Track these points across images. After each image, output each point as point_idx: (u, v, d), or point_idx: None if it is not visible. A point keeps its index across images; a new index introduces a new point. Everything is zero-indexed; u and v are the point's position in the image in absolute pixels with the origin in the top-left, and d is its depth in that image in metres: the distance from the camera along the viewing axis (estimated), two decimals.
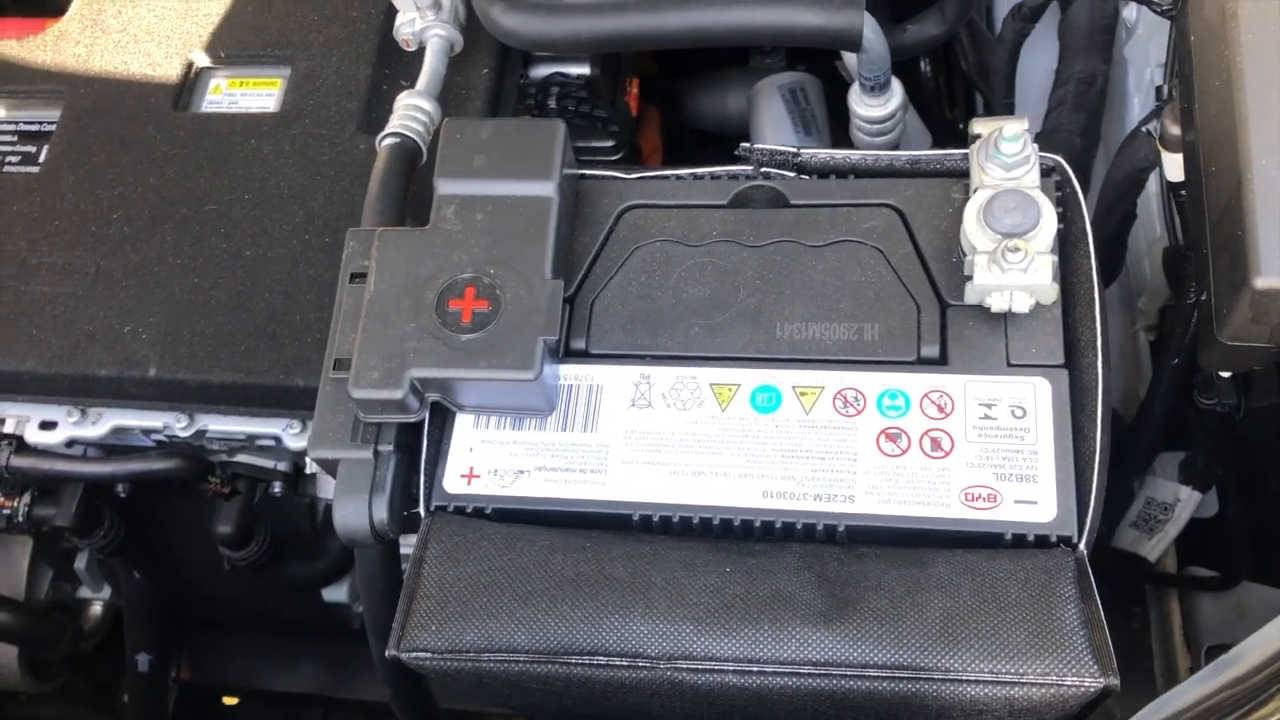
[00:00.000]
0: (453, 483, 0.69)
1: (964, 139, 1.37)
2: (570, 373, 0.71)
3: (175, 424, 1.06)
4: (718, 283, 0.72)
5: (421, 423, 0.70)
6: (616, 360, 0.72)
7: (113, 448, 1.12)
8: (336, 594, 1.30)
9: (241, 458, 1.15)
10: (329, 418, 0.69)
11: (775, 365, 0.70)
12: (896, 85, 1.01)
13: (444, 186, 0.72)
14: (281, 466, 1.17)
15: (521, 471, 0.68)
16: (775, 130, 1.32)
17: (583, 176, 0.78)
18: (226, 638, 1.56)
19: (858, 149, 1.07)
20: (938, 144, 1.23)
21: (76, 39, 1.20)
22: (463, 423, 0.71)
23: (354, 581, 1.31)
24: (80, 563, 1.38)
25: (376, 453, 0.68)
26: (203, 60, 1.17)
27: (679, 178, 0.77)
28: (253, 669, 1.56)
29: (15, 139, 1.19)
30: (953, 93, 1.38)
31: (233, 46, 1.17)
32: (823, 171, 0.77)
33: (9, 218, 1.10)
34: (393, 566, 0.87)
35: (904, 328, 0.70)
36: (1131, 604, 1.06)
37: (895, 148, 1.07)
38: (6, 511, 1.15)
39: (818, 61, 1.39)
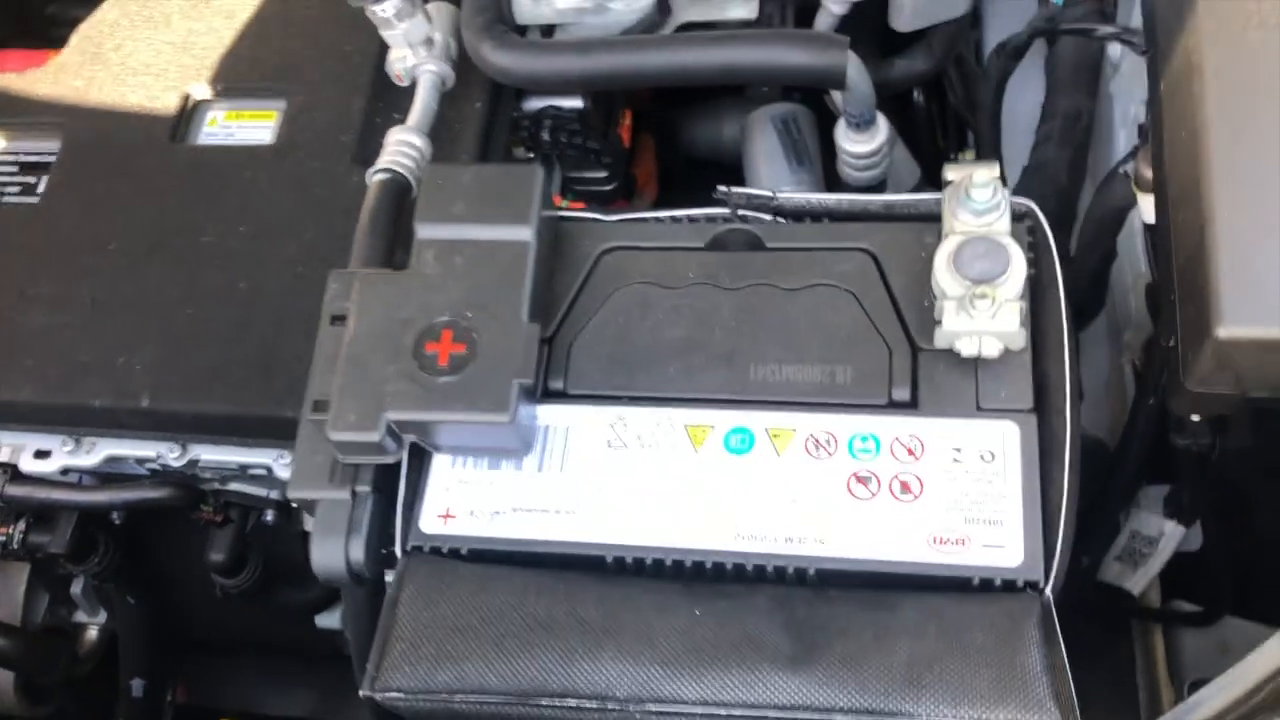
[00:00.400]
0: (429, 523, 0.70)
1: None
2: (547, 414, 0.72)
3: (168, 454, 1.07)
4: (694, 325, 0.73)
5: (399, 464, 0.71)
6: (593, 401, 0.73)
7: (107, 475, 1.14)
8: (329, 620, 1.31)
9: (234, 486, 1.16)
10: (308, 458, 0.71)
11: (749, 407, 0.71)
12: (882, 121, 1.02)
13: (424, 231, 0.73)
14: (274, 495, 1.18)
15: (497, 512, 0.69)
16: (768, 160, 1.33)
17: (563, 218, 0.80)
18: (223, 662, 1.57)
19: (845, 182, 1.08)
20: (927, 175, 1.24)
21: (76, 72, 1.22)
22: (440, 463, 0.72)
23: None
24: (76, 588, 1.39)
25: (354, 493, 0.69)
26: (200, 93, 1.19)
27: (659, 220, 0.79)
28: (249, 693, 1.57)
29: (16, 169, 1.20)
30: (945, 123, 1.39)
31: (229, 79, 1.19)
32: (799, 215, 0.78)
33: (8, 249, 1.12)
34: (377, 603, 0.88)
35: (876, 371, 0.71)
36: (1117, 637, 1.06)
37: (883, 182, 1.08)
38: (1, 538, 1.16)
39: (812, 92, 1.40)
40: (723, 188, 0.77)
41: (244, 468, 1.09)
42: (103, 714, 1.51)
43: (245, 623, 1.41)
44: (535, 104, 1.23)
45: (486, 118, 1.14)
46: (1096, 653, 0.61)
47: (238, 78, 1.18)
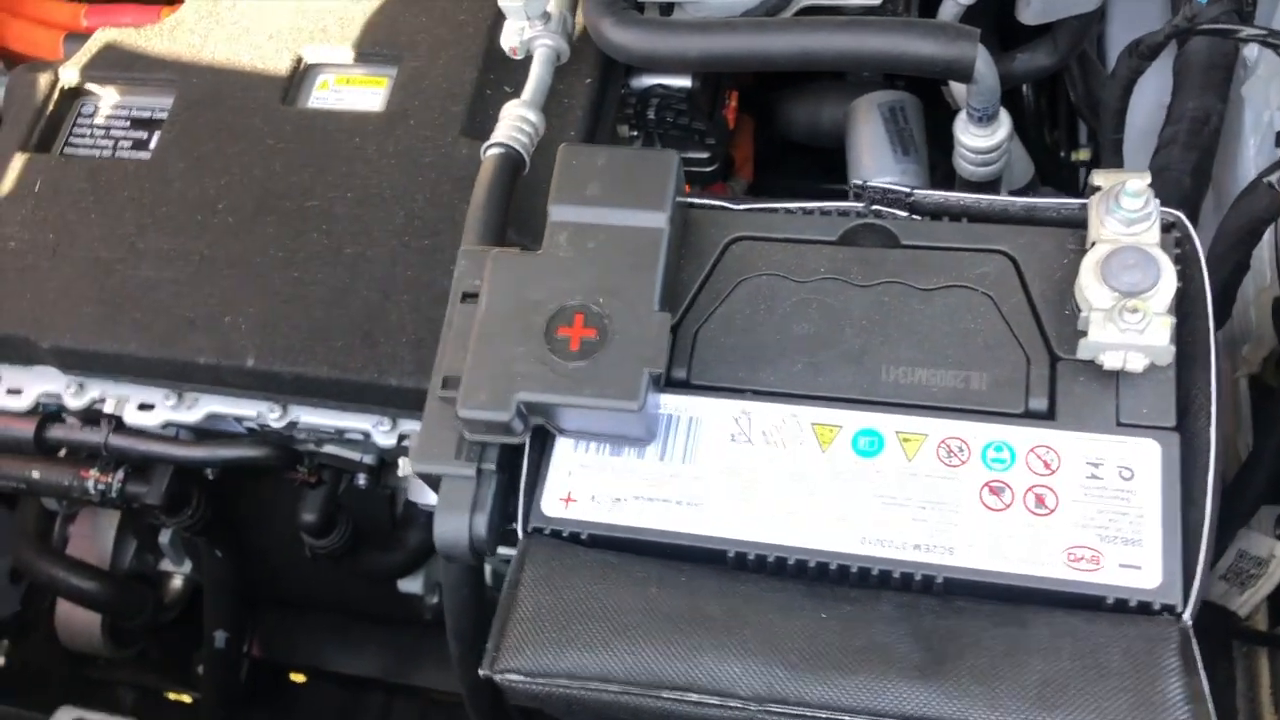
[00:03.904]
0: (551, 505, 0.70)
1: (1064, 165, 1.35)
2: (671, 403, 0.71)
3: (269, 414, 1.09)
4: (823, 320, 0.72)
5: (522, 444, 0.71)
6: (717, 393, 0.72)
7: (202, 431, 1.16)
8: (411, 585, 1.32)
9: (328, 448, 1.17)
10: (434, 433, 0.71)
11: (879, 409, 0.70)
12: (1004, 116, 1.00)
13: (557, 213, 0.73)
14: (367, 459, 1.20)
15: (619, 499, 0.69)
16: (873, 148, 1.31)
17: (690, 204, 0.78)
18: (297, 618, 1.60)
19: (961, 176, 1.06)
20: (1038, 171, 1.21)
21: (191, 29, 1.23)
22: (563, 447, 0.71)
23: (428, 574, 1.33)
24: (164, 537, 1.42)
25: (479, 471, 0.69)
26: (312, 56, 1.19)
27: (788, 211, 0.77)
28: (321, 650, 1.60)
29: (128, 125, 1.22)
30: (1055, 117, 1.36)
31: (342, 44, 1.19)
32: (935, 213, 0.76)
33: (120, 202, 1.14)
34: (479, 576, 0.89)
35: (1012, 379, 0.69)
36: (1216, 658, 1.04)
37: (999, 178, 1.05)
38: (101, 487, 1.19)
39: (916, 80, 1.37)
40: (857, 181, 0.76)
41: (340, 431, 1.10)
42: (181, 661, 1.55)
43: (325, 582, 1.43)
44: (644, 82, 1.21)
45: (596, 94, 1.13)
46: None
47: (350, 43, 1.19)
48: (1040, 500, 0.65)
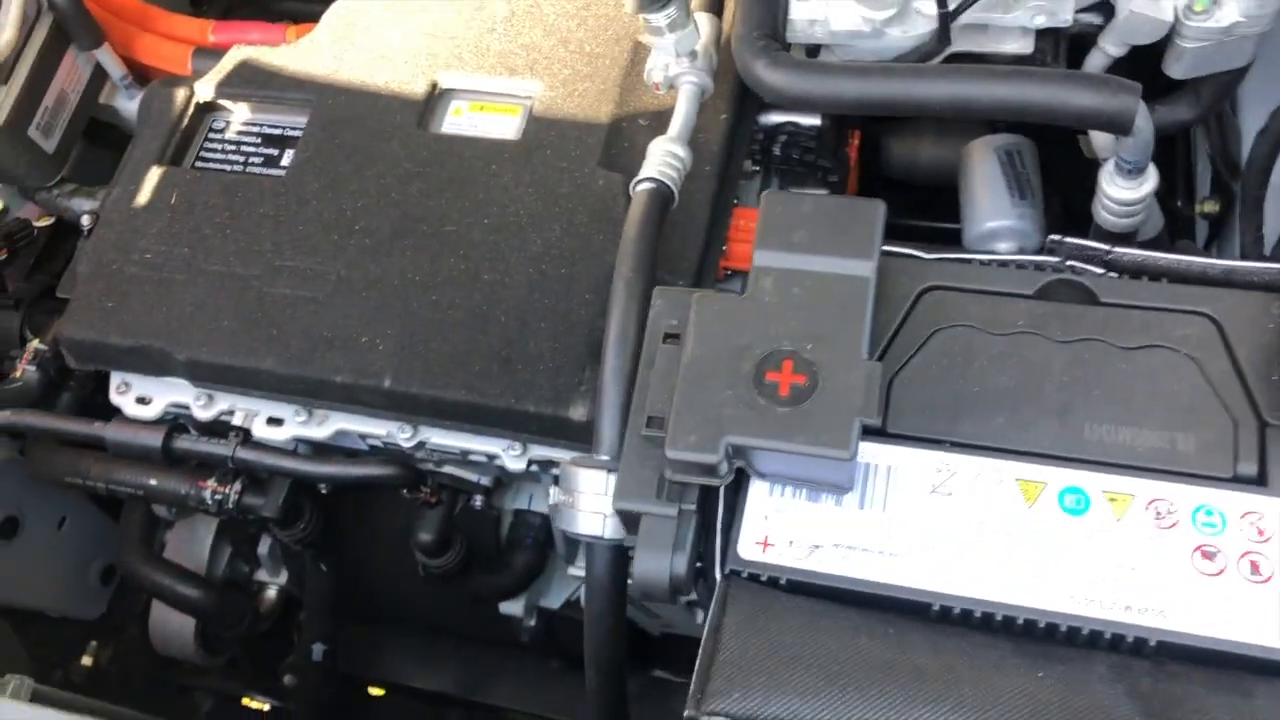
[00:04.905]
0: (747, 549, 0.70)
1: (1180, 217, 1.35)
2: (868, 451, 0.72)
3: (399, 434, 1.10)
4: (1023, 375, 0.73)
5: (719, 486, 0.71)
6: (915, 442, 0.72)
7: (320, 447, 1.16)
8: (513, 608, 1.33)
9: (447, 468, 1.18)
10: (635, 472, 0.71)
11: (1084, 466, 0.70)
12: (1152, 170, 1.00)
13: (762, 258, 0.74)
14: (484, 480, 1.21)
15: (817, 545, 0.69)
16: (989, 190, 1.32)
17: (882, 253, 0.79)
18: (378, 633, 1.60)
19: (1099, 225, 1.06)
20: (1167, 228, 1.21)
21: (327, 50, 1.24)
22: (758, 490, 0.72)
23: (529, 598, 1.34)
24: (263, 547, 1.43)
25: (680, 511, 0.69)
26: (447, 82, 1.21)
27: (982, 263, 0.78)
28: (402, 665, 1.60)
29: (259, 141, 1.24)
30: (1173, 171, 1.36)
31: (477, 71, 1.20)
32: (1134, 272, 0.77)
33: (255, 219, 1.15)
34: (622, 608, 0.89)
35: (1220, 442, 0.70)
36: None
37: (1137, 231, 1.06)
38: (218, 497, 1.19)
39: (1021, 124, 1.38)
40: (1055, 236, 0.76)
41: (466, 453, 1.11)
42: (267, 671, 1.55)
43: (419, 599, 1.44)
44: (774, 118, 1.22)
45: (731, 130, 1.14)
46: None
47: (485, 70, 1.20)
48: (1255, 567, 0.66)
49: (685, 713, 0.64)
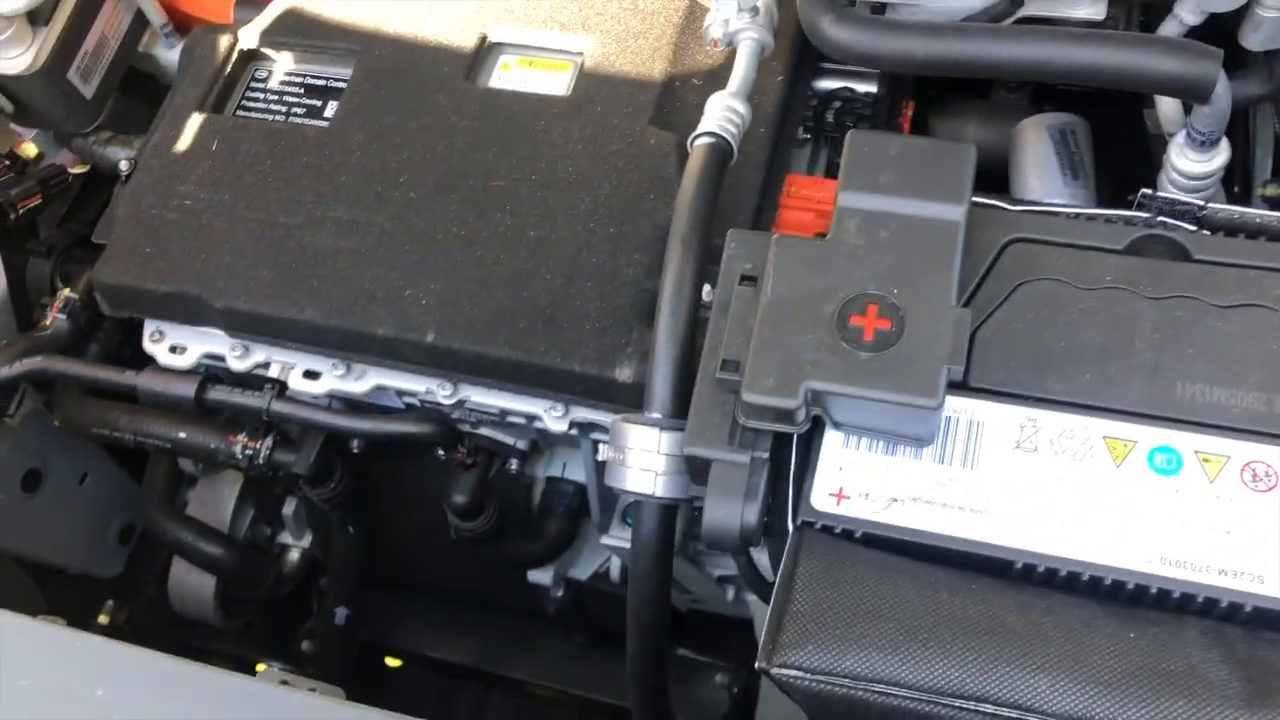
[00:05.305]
0: (821, 500, 0.68)
1: (1238, 199, 1.32)
2: (950, 403, 0.69)
3: (439, 391, 1.07)
4: (1111, 331, 0.70)
5: (793, 434, 0.69)
6: (999, 397, 0.70)
7: (353, 403, 1.14)
8: (542, 576, 1.31)
9: (484, 430, 1.15)
10: (706, 417, 0.69)
11: (1175, 426, 0.68)
12: (1225, 142, 0.97)
13: (847, 199, 0.71)
14: (520, 444, 1.18)
15: (895, 499, 0.67)
16: (1041, 170, 1.29)
17: None
18: (397, 601, 1.58)
19: None
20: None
21: (374, 1, 1.21)
22: (832, 440, 0.69)
23: (559, 567, 1.31)
24: (288, 509, 1.41)
25: (752, 458, 0.67)
26: (496, 35, 1.18)
27: (1069, 216, 0.75)
28: (420, 635, 1.58)
29: (301, 91, 1.21)
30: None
31: (528, 25, 1.18)
32: (1229, 229, 0.74)
33: (298, 168, 1.12)
34: (668, 569, 0.86)
35: None
36: None
37: None
38: (249, 452, 1.17)
39: (1069, 102, 1.35)
40: (1146, 191, 0.74)
41: (505, 413, 1.09)
42: (287, 635, 1.53)
43: (444, 565, 1.41)
44: (829, 84, 1.20)
45: (786, 92, 1.12)
46: None
47: (535, 25, 1.17)
48: None
49: (756, 664, 0.62)
